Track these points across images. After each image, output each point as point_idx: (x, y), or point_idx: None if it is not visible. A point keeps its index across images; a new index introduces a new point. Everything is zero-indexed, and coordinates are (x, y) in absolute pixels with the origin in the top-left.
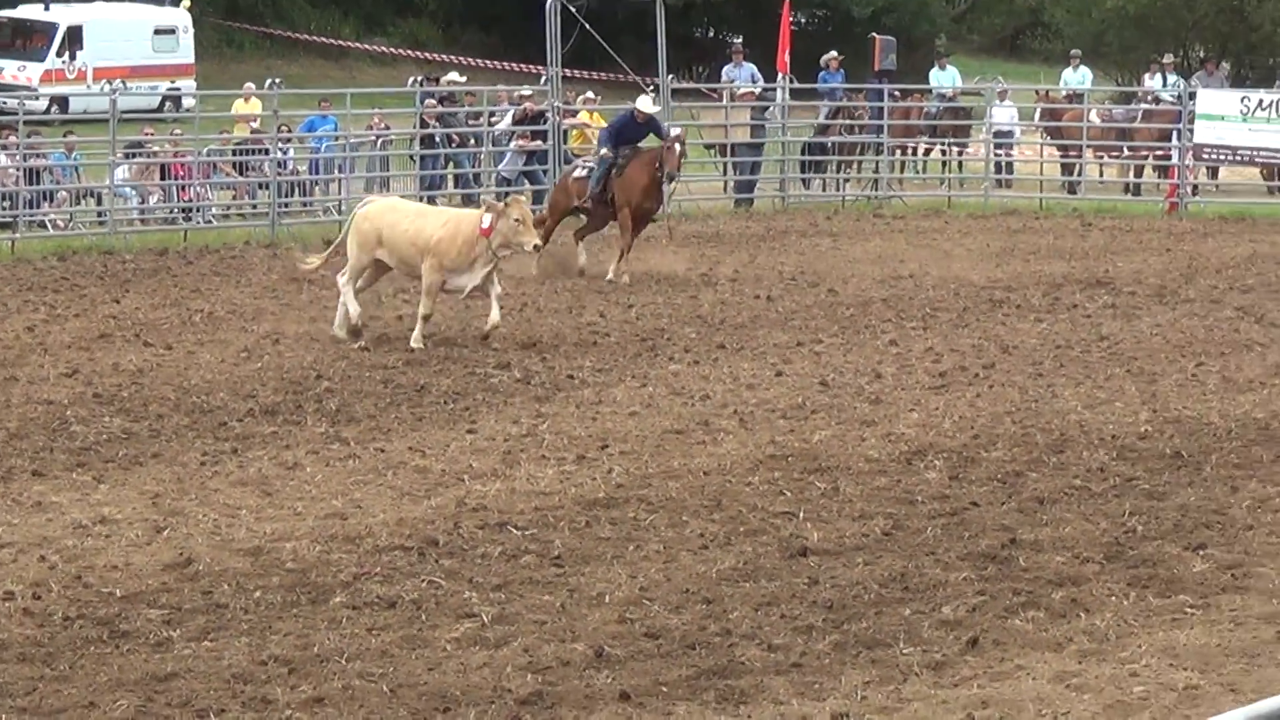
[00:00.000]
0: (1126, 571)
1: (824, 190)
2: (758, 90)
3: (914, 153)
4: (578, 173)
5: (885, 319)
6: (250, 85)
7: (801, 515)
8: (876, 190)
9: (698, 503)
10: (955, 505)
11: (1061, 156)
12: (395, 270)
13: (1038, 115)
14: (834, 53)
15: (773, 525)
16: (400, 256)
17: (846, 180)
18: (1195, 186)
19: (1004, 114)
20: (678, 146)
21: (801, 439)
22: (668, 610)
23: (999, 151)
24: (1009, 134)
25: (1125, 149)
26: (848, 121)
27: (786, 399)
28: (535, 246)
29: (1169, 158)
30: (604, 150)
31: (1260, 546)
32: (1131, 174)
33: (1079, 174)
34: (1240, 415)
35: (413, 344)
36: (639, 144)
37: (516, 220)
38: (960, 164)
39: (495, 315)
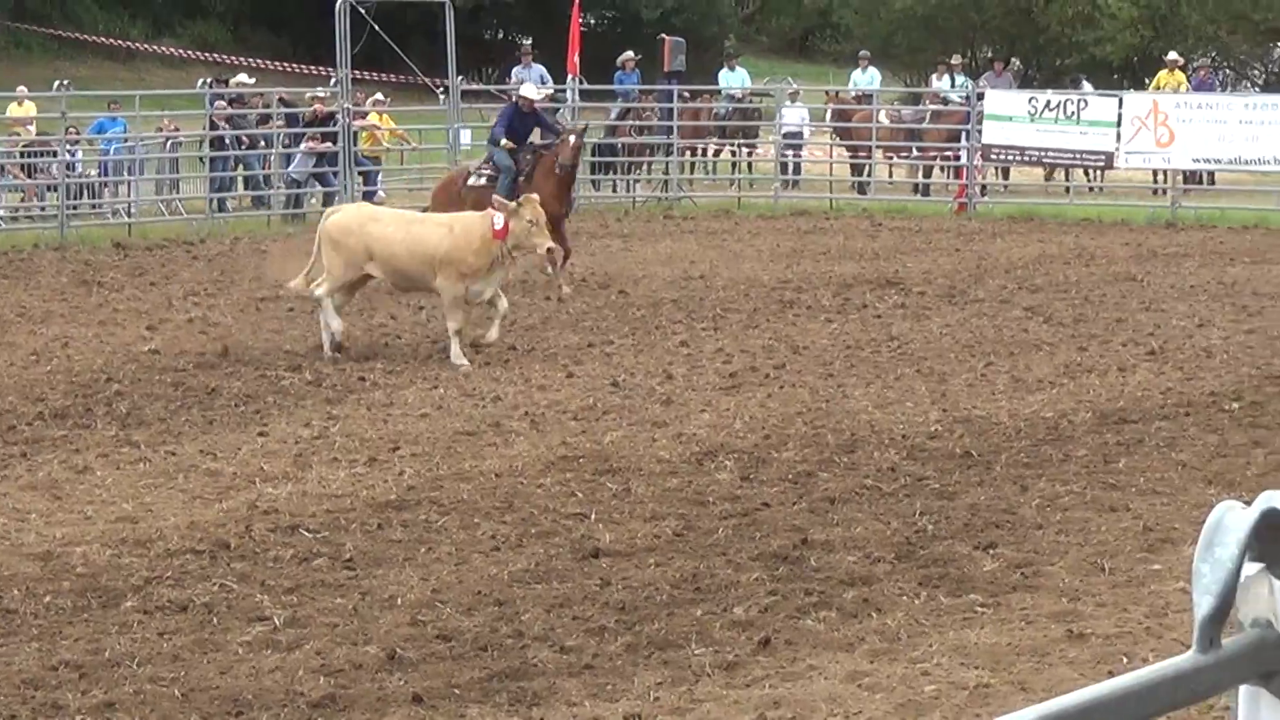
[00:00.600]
0: (917, 571)
1: (614, 192)
2: (549, 91)
3: (704, 154)
4: (472, 180)
5: (676, 320)
6: (23, 88)
7: (593, 516)
8: (667, 191)
9: (489, 504)
10: (747, 506)
11: (851, 157)
12: (386, 283)
13: (828, 116)
14: (630, 53)
15: (564, 527)
16: (398, 269)
17: (637, 181)
18: (984, 187)
19: (793, 115)
20: (572, 139)
21: (593, 440)
22: (460, 612)
23: (787, 152)
24: (798, 135)
25: (914, 150)
26: (637, 123)
27: (578, 400)
28: (550, 250)
29: (958, 158)
30: (499, 157)
31: (1049, 545)
32: (920, 174)
33: (868, 175)
34: (1029, 415)
35: (455, 361)
36: (530, 140)
37: (530, 222)
38: (750, 165)
39: (494, 333)
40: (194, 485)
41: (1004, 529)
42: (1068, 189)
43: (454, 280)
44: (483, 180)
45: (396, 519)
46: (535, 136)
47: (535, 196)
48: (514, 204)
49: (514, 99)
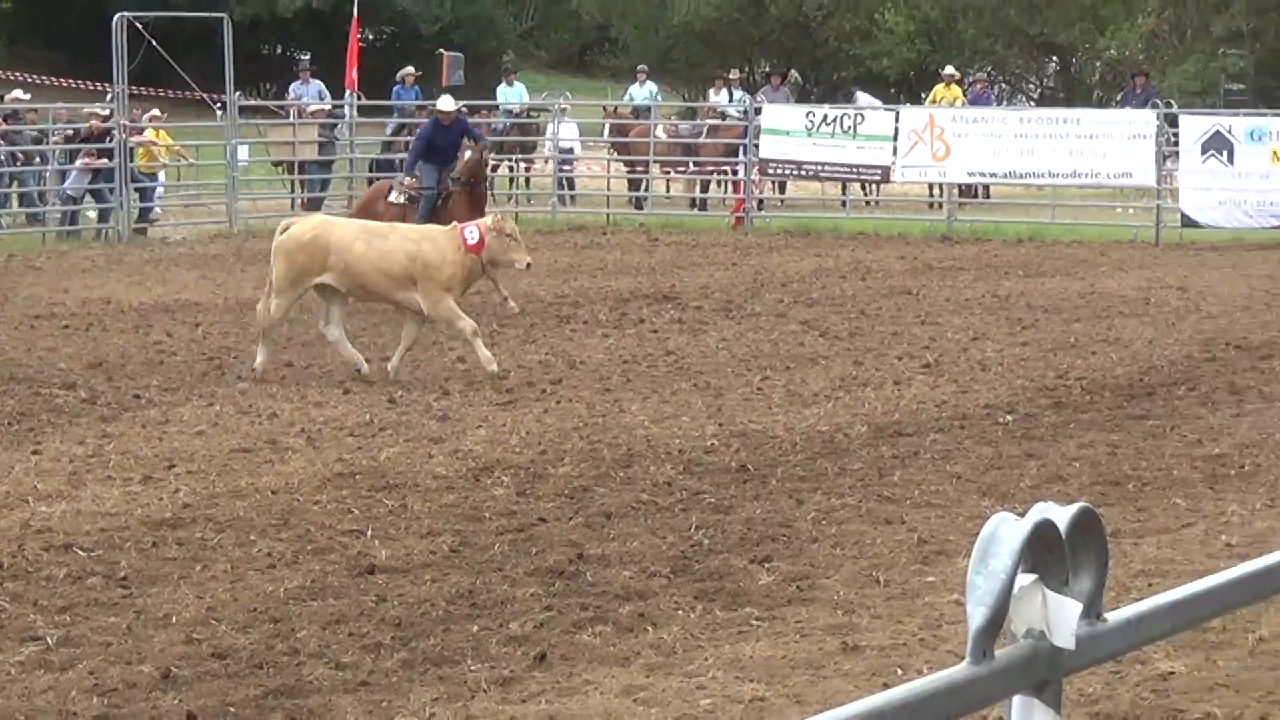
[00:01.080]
0: (693, 585)
1: None
2: (326, 107)
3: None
4: (392, 196)
5: (453, 335)
6: None
7: (369, 533)
8: None
9: (265, 521)
10: (523, 521)
11: (628, 172)
12: (349, 295)
13: (606, 131)
14: (409, 69)
15: (340, 543)
16: (363, 283)
17: None
18: (761, 201)
19: (566, 130)
20: (467, 154)
21: (369, 457)
22: (235, 630)
23: (564, 168)
24: (570, 151)
25: (691, 164)
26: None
27: (354, 417)
28: (528, 265)
29: (735, 173)
30: (413, 177)
31: (825, 558)
32: (697, 189)
33: (645, 189)
34: (805, 428)
35: (488, 367)
36: (454, 155)
37: (509, 236)
38: (527, 180)
39: (396, 361)
40: None
41: (779, 542)
42: (844, 203)
43: (441, 292)
44: (400, 198)
45: (171, 537)
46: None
47: (509, 214)
48: (490, 218)
49: (431, 114)
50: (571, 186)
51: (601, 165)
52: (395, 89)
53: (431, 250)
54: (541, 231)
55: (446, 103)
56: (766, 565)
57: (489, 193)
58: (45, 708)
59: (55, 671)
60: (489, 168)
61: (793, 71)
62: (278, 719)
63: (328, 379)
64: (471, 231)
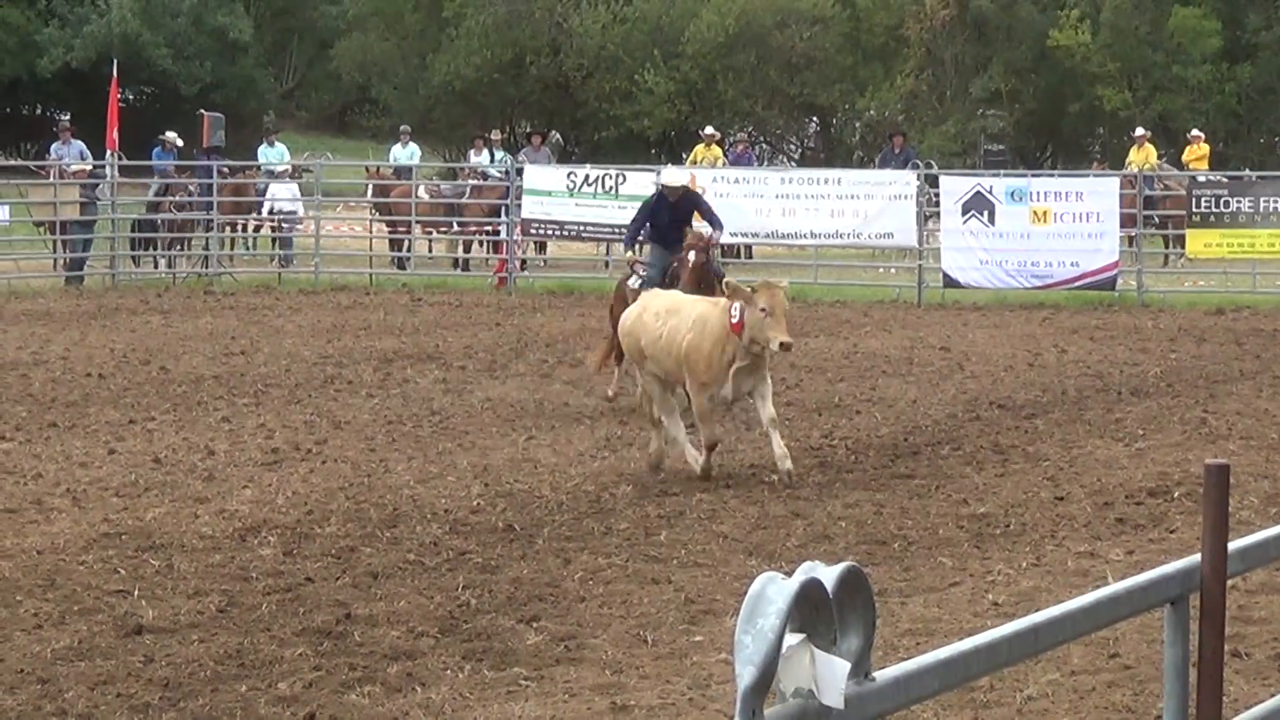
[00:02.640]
0: (461, 645)
1: (155, 267)
2: (88, 167)
3: (244, 229)
4: (632, 282)
5: (218, 396)
6: None
7: (136, 593)
8: (207, 267)
9: (31, 582)
10: (290, 581)
11: (390, 232)
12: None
13: (369, 191)
14: (172, 134)
15: (107, 604)
16: (665, 370)
17: (177, 257)
18: (523, 262)
19: (284, 190)
20: (691, 256)
21: (135, 516)
22: (2, 691)
23: (284, 227)
24: (292, 212)
25: (455, 224)
26: (177, 199)
27: (119, 477)
28: (783, 345)
29: (497, 233)
30: (640, 266)
31: (592, 618)
32: (460, 249)
33: (408, 250)
34: (571, 488)
35: (698, 468)
36: (681, 237)
37: (764, 311)
38: (290, 240)
39: (777, 446)
40: None
41: (547, 602)
42: (607, 263)
43: (697, 390)
44: (638, 283)
45: None
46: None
47: (780, 283)
48: (749, 288)
49: (657, 188)
50: (289, 246)
51: (364, 226)
52: (155, 151)
53: (696, 335)
54: (305, 292)
55: (673, 175)
56: (534, 625)
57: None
58: None
59: None
60: (713, 261)
61: (554, 132)
62: None
63: (93, 439)
64: (735, 309)
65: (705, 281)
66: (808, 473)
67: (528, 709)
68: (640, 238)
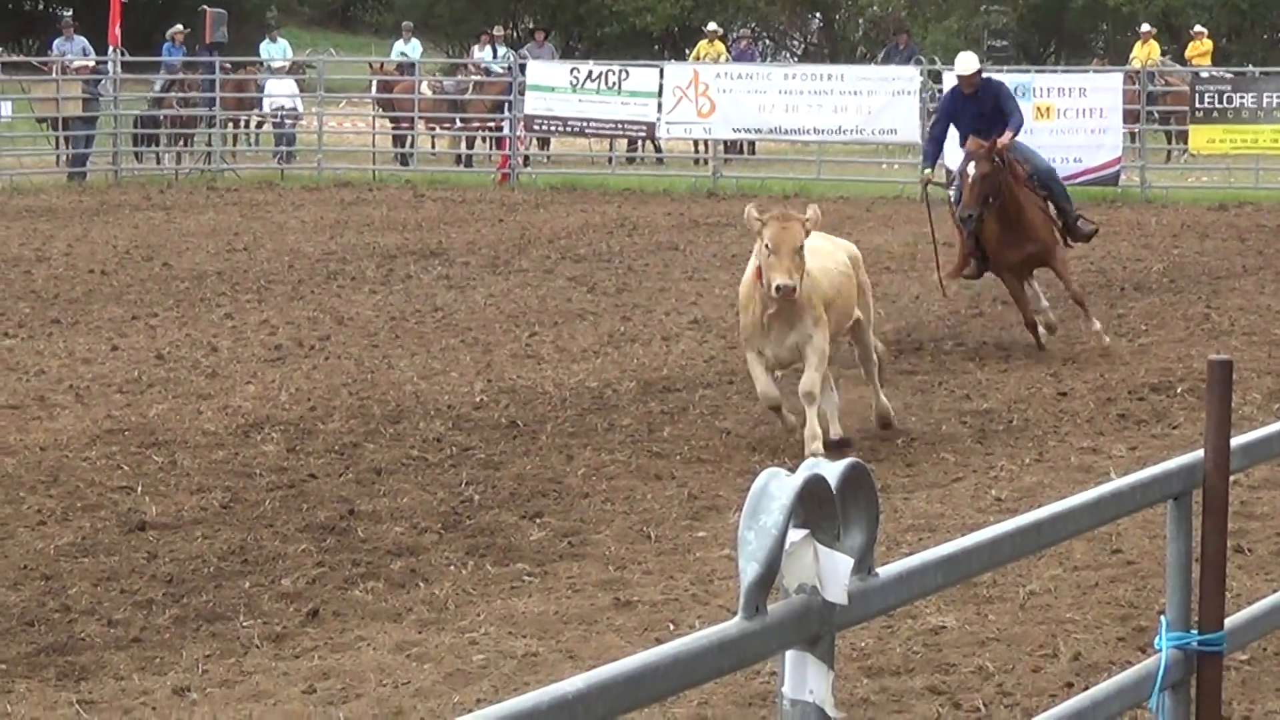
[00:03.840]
0: (464, 540)
1: (158, 163)
2: (90, 64)
3: (247, 125)
4: (951, 193)
5: (220, 292)
6: None
7: (140, 489)
8: (210, 163)
9: (34, 478)
10: (293, 478)
11: (393, 128)
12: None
13: (372, 87)
14: (179, 26)
15: (111, 500)
16: None
17: (180, 153)
18: (526, 158)
19: (281, 87)
20: (971, 168)
21: (138, 413)
22: (5, 587)
23: (286, 122)
24: (292, 109)
25: (457, 120)
26: (182, 95)
27: (122, 373)
28: (778, 288)
29: (501, 129)
30: (929, 170)
31: (596, 514)
32: (463, 145)
33: (411, 146)
34: (574, 384)
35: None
36: (991, 135)
37: (768, 248)
38: (293, 137)
39: (809, 425)
40: None
41: (550, 498)
42: (610, 159)
43: (742, 344)
44: (953, 195)
45: None
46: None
47: (790, 213)
48: (759, 219)
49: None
50: (292, 143)
51: (367, 122)
52: (164, 46)
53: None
54: (307, 188)
55: (966, 61)
56: (537, 521)
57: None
58: None
59: None
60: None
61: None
62: (50, 676)
63: (95, 335)
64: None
65: (999, 195)
66: None
67: (531, 604)
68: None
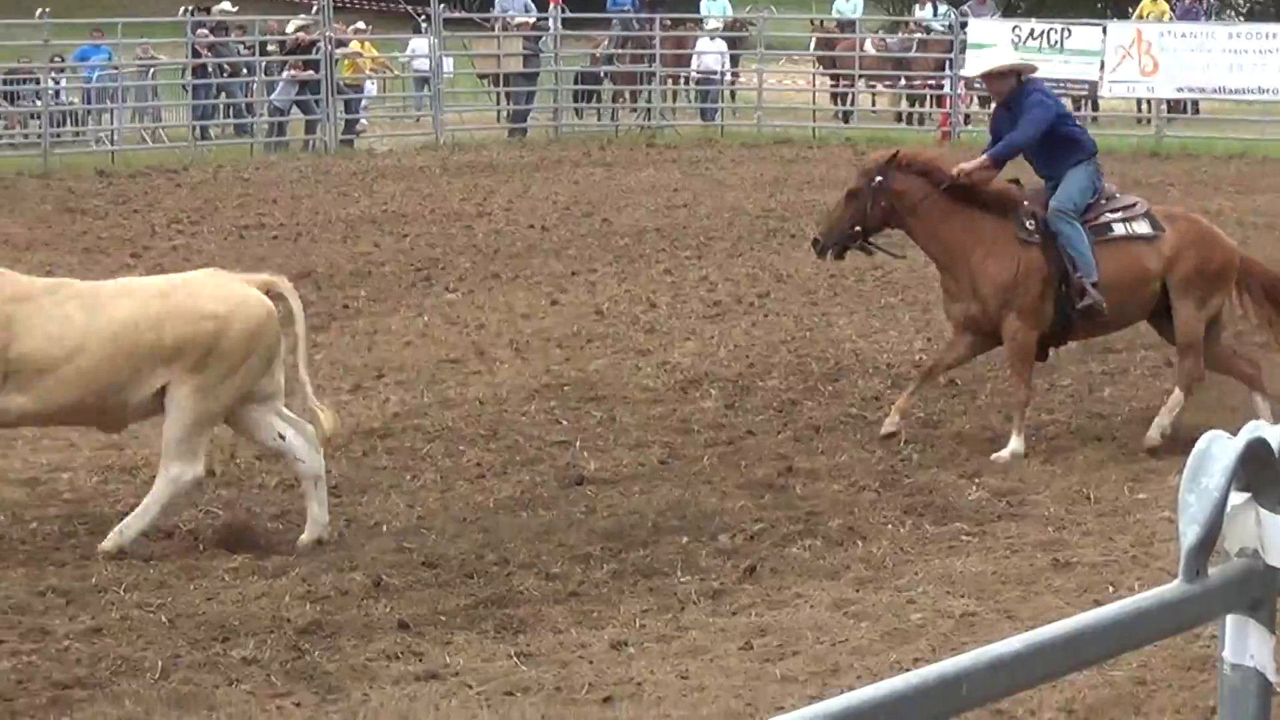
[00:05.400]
0: (902, 499)
1: (598, 120)
2: (532, 20)
3: (687, 82)
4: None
5: (659, 248)
6: None
7: (578, 444)
8: (650, 120)
9: (474, 432)
10: (731, 434)
11: (833, 86)
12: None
13: (812, 45)
14: None
15: (549, 454)
16: None
17: (620, 110)
18: (967, 116)
19: (711, 46)
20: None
21: (577, 368)
22: (445, 539)
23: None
24: (713, 71)
25: (902, 79)
26: (632, 51)
27: (562, 328)
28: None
29: (941, 87)
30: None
31: (1035, 474)
32: (904, 103)
33: (852, 103)
34: None
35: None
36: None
37: None
38: (733, 94)
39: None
40: None
41: (989, 458)
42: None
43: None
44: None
45: (381, 446)
46: None
47: None
48: None
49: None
50: (714, 100)
51: (806, 79)
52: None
53: None
54: (747, 145)
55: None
56: (975, 480)
57: None
58: (258, 614)
59: (268, 578)
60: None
61: None
62: (488, 628)
63: (535, 290)
64: None
65: (880, 225)
66: (1252, 332)
67: (969, 564)
68: None
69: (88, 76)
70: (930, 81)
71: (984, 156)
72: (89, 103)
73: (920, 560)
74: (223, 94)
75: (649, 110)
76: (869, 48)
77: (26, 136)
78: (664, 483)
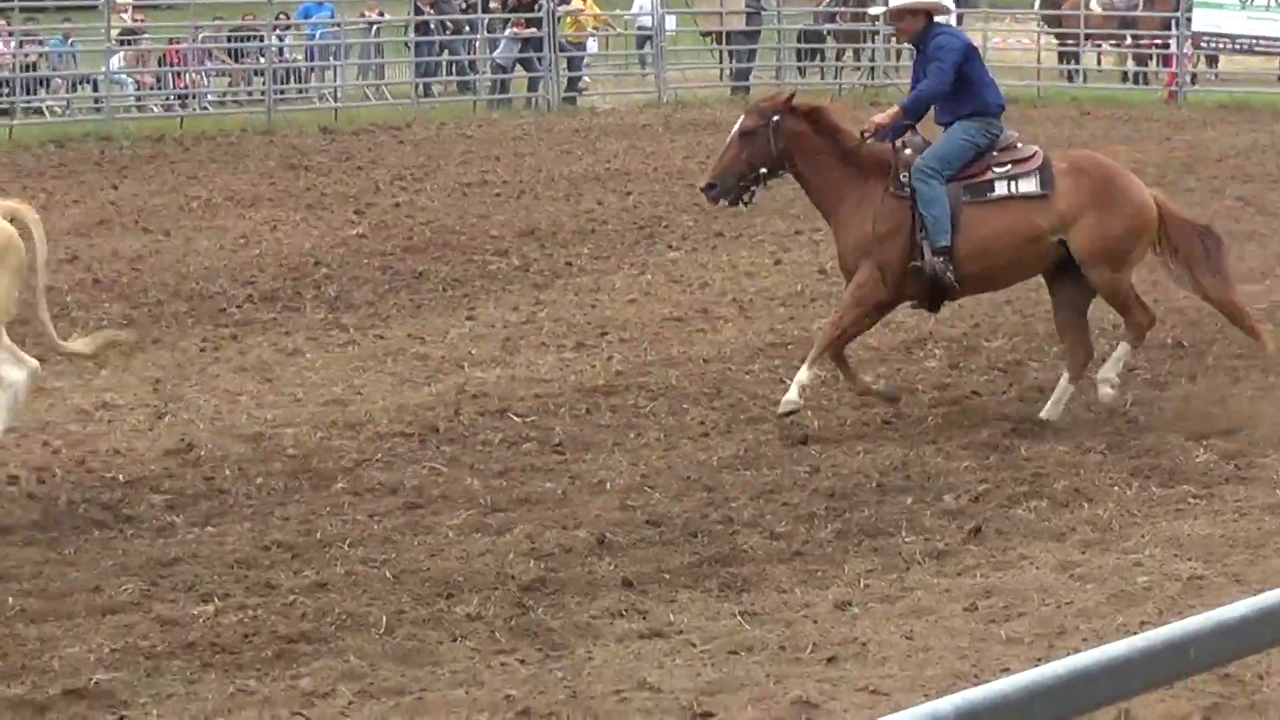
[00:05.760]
0: (1129, 461)
1: (821, 78)
2: None
3: None
4: None
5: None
6: None
7: (803, 403)
8: (873, 78)
9: (698, 390)
10: (956, 394)
11: (1060, 45)
12: None
13: (1037, 4)
14: None
15: (773, 413)
16: None
17: (843, 68)
18: (1194, 75)
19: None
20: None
21: (801, 327)
22: (669, 498)
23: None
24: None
25: (1129, 38)
26: (854, 10)
27: (785, 287)
28: None
29: (1167, 46)
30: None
31: (1263, 437)
32: (1130, 63)
33: (1078, 63)
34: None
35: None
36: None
37: None
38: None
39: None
40: (402, 369)
41: (1216, 420)
42: (1279, 78)
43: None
44: None
45: (605, 404)
46: None
47: None
48: None
49: None
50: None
51: (1032, 38)
52: None
53: None
54: None
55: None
56: (1203, 443)
57: None
58: (483, 570)
59: (492, 535)
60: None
61: None
62: (712, 587)
63: (759, 249)
64: None
65: (776, 169)
66: None
67: (1196, 527)
68: None
69: (311, 34)
70: (1156, 41)
71: (896, 108)
72: (312, 60)
73: (1147, 523)
74: (445, 51)
75: (872, 69)
76: (1094, 6)
77: (251, 94)
78: (888, 442)
